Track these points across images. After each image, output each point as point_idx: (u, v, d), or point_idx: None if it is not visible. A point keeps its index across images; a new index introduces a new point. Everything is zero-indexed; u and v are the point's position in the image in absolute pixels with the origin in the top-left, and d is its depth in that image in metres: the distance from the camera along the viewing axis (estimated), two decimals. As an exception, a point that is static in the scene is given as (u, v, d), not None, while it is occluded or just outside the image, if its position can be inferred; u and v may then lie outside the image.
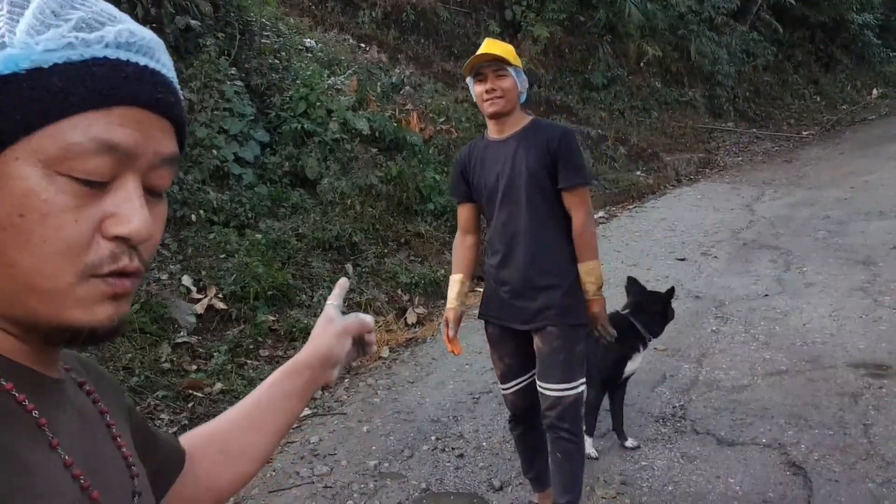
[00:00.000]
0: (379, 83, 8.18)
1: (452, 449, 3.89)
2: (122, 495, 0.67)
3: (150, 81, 0.59)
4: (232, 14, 6.99)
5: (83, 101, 0.55)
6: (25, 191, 0.54)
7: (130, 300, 0.63)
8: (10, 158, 0.54)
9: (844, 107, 17.66)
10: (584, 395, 2.84)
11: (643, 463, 3.53)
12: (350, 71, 7.64)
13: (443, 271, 6.38)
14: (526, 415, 2.96)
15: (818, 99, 17.68)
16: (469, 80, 2.73)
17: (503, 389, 2.98)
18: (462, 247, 2.98)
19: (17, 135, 0.54)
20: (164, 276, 4.89)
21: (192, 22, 6.44)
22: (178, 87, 0.65)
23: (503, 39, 12.38)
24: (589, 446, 3.53)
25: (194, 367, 4.35)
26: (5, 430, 0.55)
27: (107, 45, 0.57)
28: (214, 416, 3.30)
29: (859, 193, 9.21)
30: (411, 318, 5.78)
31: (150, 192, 0.62)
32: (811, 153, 13.11)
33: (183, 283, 4.85)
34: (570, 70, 12.97)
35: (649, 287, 3.85)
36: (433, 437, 4.01)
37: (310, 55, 7.86)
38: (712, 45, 14.89)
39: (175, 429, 3.83)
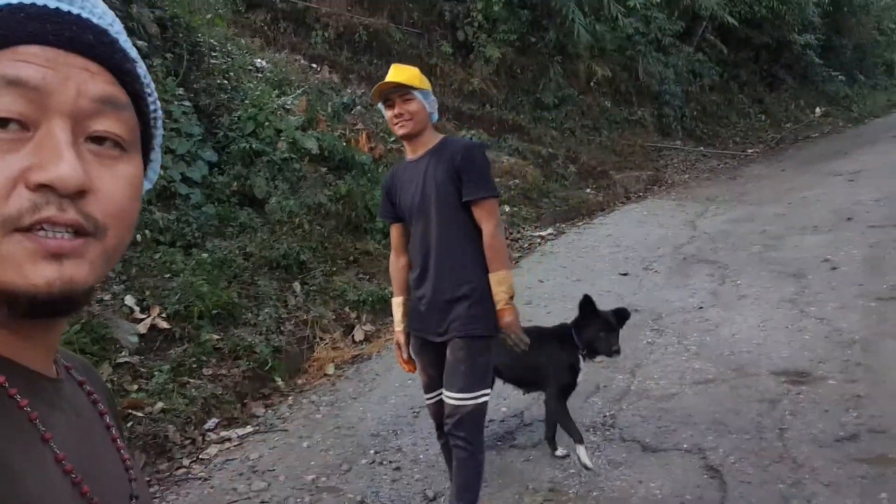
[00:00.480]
0: (330, 103, 8.30)
1: (390, 462, 3.98)
2: (118, 497, 0.66)
3: (58, 21, 0.57)
4: (180, 35, 7.06)
5: None
6: None
7: (88, 267, 0.58)
8: None
9: (788, 125, 18.27)
10: (486, 405, 2.94)
11: (571, 470, 3.66)
12: (300, 91, 7.74)
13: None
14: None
15: (763, 118, 18.27)
16: (380, 105, 2.87)
17: (426, 399, 3.13)
18: (397, 267, 3.10)
19: None
20: (107, 297, 4.91)
21: (139, 43, 6.48)
22: (117, 33, 0.63)
23: (455, 60, 12.63)
24: (584, 454, 3.56)
25: (135, 386, 4.37)
26: (4, 443, 0.54)
27: None
28: (154, 434, 3.34)
29: (797, 209, 9.56)
30: (359, 335, 5.87)
31: (99, 142, 0.59)
32: (755, 170, 13.54)
33: (126, 303, 4.87)
34: (522, 90, 13.25)
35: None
36: (372, 451, 4.09)
37: (260, 75, 7.94)
38: (659, 65, 15.32)
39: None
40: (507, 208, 9.50)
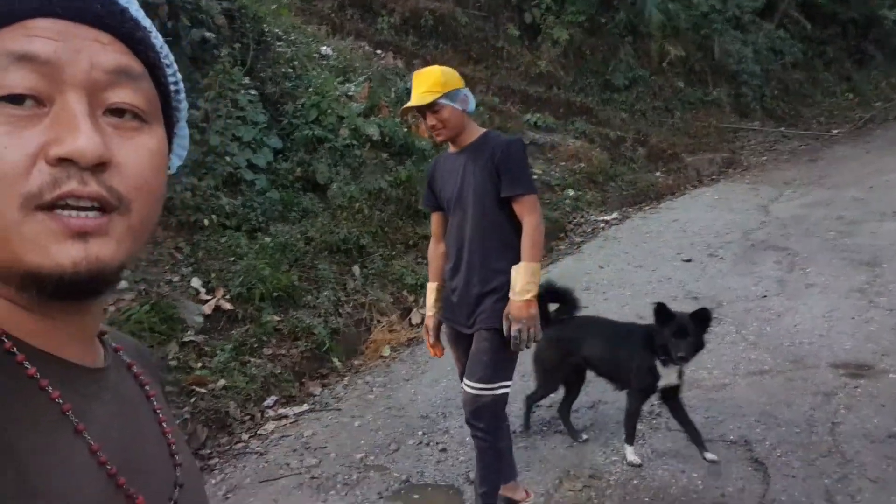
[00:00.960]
0: (393, 89, 8.40)
1: (437, 443, 4.08)
2: (161, 486, 0.66)
3: None
4: (247, 25, 7.27)
5: None
6: None
7: (115, 244, 0.57)
8: None
9: (878, 104, 17.34)
10: (506, 397, 2.96)
11: (614, 458, 3.67)
12: (363, 78, 7.87)
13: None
14: None
15: (850, 96, 17.39)
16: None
17: (463, 386, 3.13)
18: (436, 255, 3.16)
19: None
20: (176, 279, 5.17)
21: (207, 34, 6.72)
22: (128, 2, 0.63)
23: (522, 42, 12.54)
24: (630, 454, 3.59)
25: (200, 364, 4.61)
26: (24, 420, 0.54)
27: None
28: (216, 410, 3.52)
29: (879, 193, 9.13)
30: (415, 318, 5.98)
31: (118, 114, 0.59)
32: (838, 152, 12.95)
33: (192, 284, 5.12)
34: (591, 71, 13.04)
35: (646, 289, 3.93)
36: (420, 432, 4.20)
37: (325, 63, 8.11)
38: (737, 43, 14.79)
39: (177, 422, 4.08)
40: (571, 192, 9.43)
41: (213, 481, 3.81)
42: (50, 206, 0.54)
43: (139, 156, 0.59)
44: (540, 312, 2.82)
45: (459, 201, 2.90)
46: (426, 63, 10.71)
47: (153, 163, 0.61)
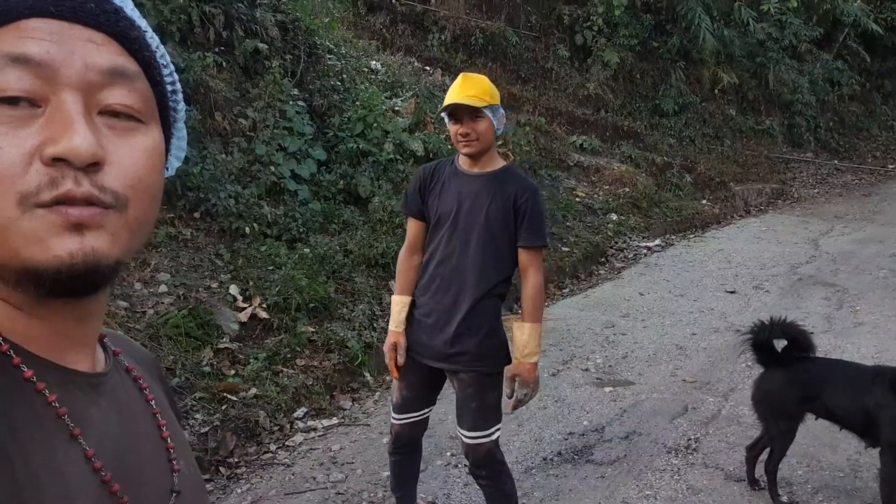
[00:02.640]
0: (439, 105, 8.40)
1: (465, 465, 3.99)
2: (156, 493, 0.66)
3: None
4: (299, 37, 7.37)
5: None
6: None
7: (109, 239, 0.57)
8: None
9: (937, 140, 16.84)
10: (498, 439, 2.86)
11: (647, 492, 3.56)
12: (410, 93, 7.90)
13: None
14: (407, 445, 3.00)
15: (908, 131, 16.92)
16: (444, 114, 2.70)
17: (393, 418, 2.94)
18: (408, 266, 2.84)
19: None
20: (214, 285, 5.21)
21: (260, 45, 6.83)
22: (121, 1, 0.63)
23: (571, 64, 12.50)
24: None
25: (232, 371, 4.62)
26: (19, 422, 0.55)
27: None
28: (246, 419, 3.52)
29: (935, 232, 8.84)
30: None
31: (113, 115, 0.59)
32: (893, 188, 12.60)
33: (230, 291, 5.15)
34: (640, 96, 12.92)
35: (687, 319, 3.82)
36: (448, 454, 4.13)
37: (373, 77, 8.17)
38: (793, 73, 14.51)
39: (207, 429, 4.09)
40: (614, 217, 9.31)
41: (239, 491, 3.80)
42: (48, 204, 0.55)
43: (134, 155, 0.60)
44: (765, 349, 2.73)
45: (464, 228, 2.66)
46: (474, 81, 10.73)
47: (149, 162, 0.61)
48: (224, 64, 6.56)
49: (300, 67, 7.15)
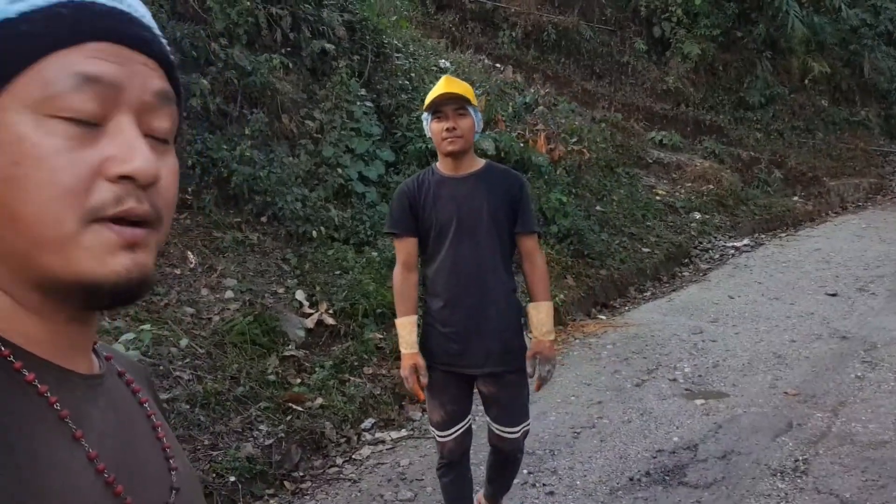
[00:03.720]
0: (511, 103, 8.12)
1: (543, 485, 3.70)
2: (157, 491, 0.67)
3: (119, 18, 0.59)
4: (367, 37, 7.21)
5: (55, 40, 0.55)
6: (16, 138, 0.54)
7: (152, 255, 0.61)
8: None
9: None
10: None
11: (749, 522, 3.17)
12: (479, 92, 7.63)
13: (562, 296, 6.18)
14: (461, 460, 2.95)
15: None
16: (426, 115, 2.67)
17: (441, 437, 2.86)
18: (408, 285, 2.76)
19: None
20: (281, 290, 5.06)
21: (327, 46, 6.69)
22: (156, 27, 0.65)
23: (649, 58, 11.99)
24: None
25: (298, 380, 4.44)
26: (23, 423, 0.55)
27: None
28: (311, 430, 3.30)
29: None
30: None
31: (154, 138, 0.61)
32: None
33: (296, 297, 4.99)
34: (723, 88, 12.29)
35: (785, 324, 3.43)
36: (525, 471, 3.83)
37: (443, 76, 7.95)
38: (889, 60, 13.55)
39: (271, 441, 3.91)
40: (697, 215, 8.80)
41: (304, 507, 3.60)
42: (106, 220, 0.57)
43: (169, 175, 0.63)
44: None
45: (470, 231, 2.65)
46: (546, 78, 10.39)
47: (176, 182, 0.65)
48: (291, 66, 6.45)
49: (367, 67, 6.99)
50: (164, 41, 0.65)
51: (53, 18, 0.56)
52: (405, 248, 2.75)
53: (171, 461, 0.70)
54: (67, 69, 0.55)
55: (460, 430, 2.85)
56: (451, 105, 2.57)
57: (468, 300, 2.65)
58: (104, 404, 0.64)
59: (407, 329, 2.71)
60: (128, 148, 0.57)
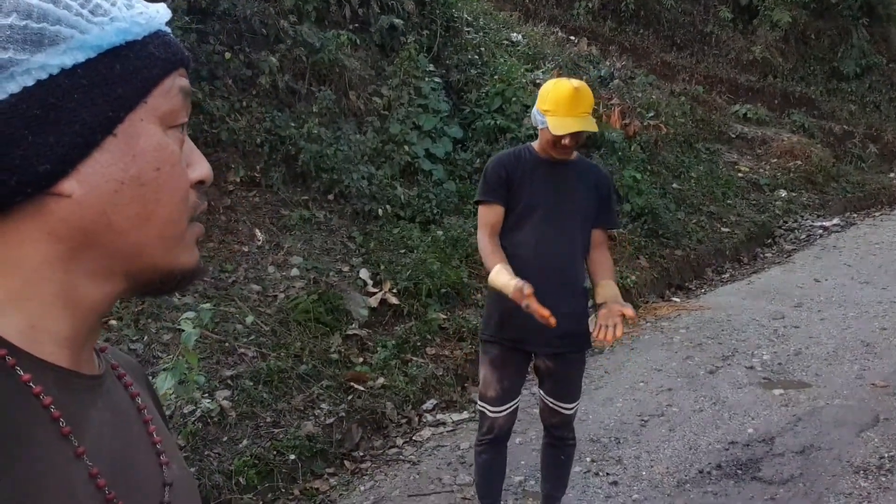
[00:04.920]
0: (584, 77, 7.85)
1: (607, 474, 3.58)
2: (151, 489, 0.68)
3: (182, 48, 0.66)
4: (437, 11, 7.08)
5: (169, 63, 0.63)
6: (156, 146, 0.61)
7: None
8: (136, 120, 0.60)
9: None
10: None
11: (829, 523, 2.97)
12: (552, 65, 7.42)
13: (634, 277, 5.97)
14: (506, 437, 2.97)
15: None
16: (541, 114, 2.64)
17: (494, 412, 2.87)
18: (494, 243, 2.73)
19: (138, 98, 0.60)
20: (346, 269, 5.06)
21: (396, 21, 6.61)
22: None
23: (735, 27, 11.42)
24: None
25: (361, 359, 4.44)
26: (18, 425, 0.56)
27: (164, 20, 0.65)
28: (373, 410, 3.28)
29: None
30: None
31: None
32: None
33: (360, 276, 4.97)
34: (815, 58, 11.61)
35: (875, 311, 3.20)
36: (588, 459, 3.72)
37: (513, 49, 7.75)
38: None
39: (332, 420, 3.92)
40: (783, 193, 8.36)
41: (363, 488, 3.59)
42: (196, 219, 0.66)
43: None
44: None
45: (559, 215, 2.71)
46: (623, 50, 10.03)
47: None
48: (359, 42, 6.40)
49: (437, 42, 6.88)
50: None
51: (167, 44, 0.63)
52: (494, 216, 2.76)
53: (161, 456, 0.71)
54: (177, 86, 0.63)
55: (512, 408, 2.89)
56: (573, 139, 2.64)
57: (546, 284, 2.60)
58: (102, 405, 0.66)
59: (502, 273, 2.60)
60: (199, 156, 0.66)
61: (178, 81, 0.64)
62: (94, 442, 0.61)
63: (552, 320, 2.45)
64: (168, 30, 0.66)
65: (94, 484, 0.60)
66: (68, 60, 0.57)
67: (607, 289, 2.70)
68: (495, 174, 2.77)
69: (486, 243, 2.74)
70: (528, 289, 2.44)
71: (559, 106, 2.59)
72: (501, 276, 2.58)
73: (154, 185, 0.60)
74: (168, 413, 3.53)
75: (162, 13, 0.65)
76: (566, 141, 2.61)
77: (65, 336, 0.62)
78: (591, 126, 2.62)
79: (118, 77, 0.59)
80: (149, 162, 0.60)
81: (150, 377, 0.85)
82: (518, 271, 2.62)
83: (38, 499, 0.55)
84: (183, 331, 3.39)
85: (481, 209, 2.81)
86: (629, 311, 2.55)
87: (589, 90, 2.71)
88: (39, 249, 0.59)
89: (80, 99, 0.58)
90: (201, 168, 0.65)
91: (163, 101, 0.62)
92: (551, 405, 2.89)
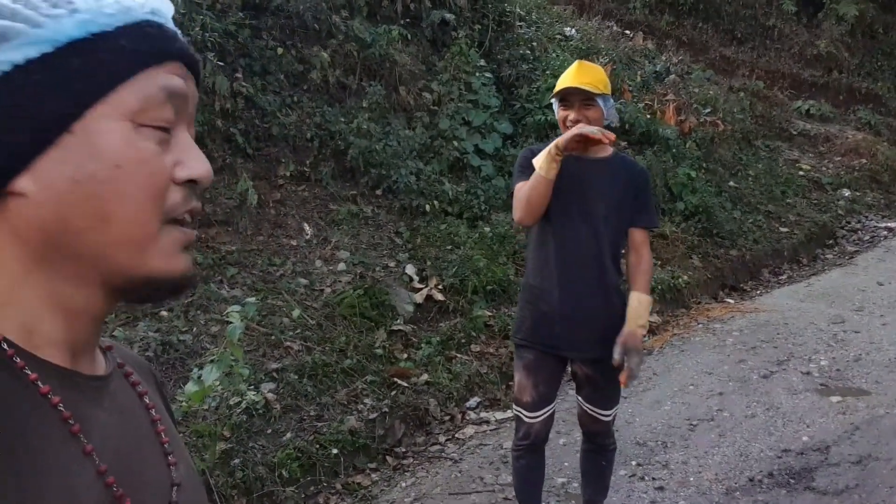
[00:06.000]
0: (639, 72, 7.71)
1: (653, 479, 3.50)
2: (158, 489, 0.68)
3: (182, 41, 0.65)
4: (489, 6, 7.03)
5: (147, 57, 0.60)
6: (118, 142, 0.58)
7: (192, 255, 0.66)
8: (98, 116, 0.58)
9: None
10: None
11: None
12: (606, 60, 7.29)
13: (686, 277, 5.83)
14: (543, 443, 2.88)
15: None
16: (554, 100, 2.61)
17: (531, 418, 2.78)
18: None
19: (100, 94, 0.58)
20: (392, 264, 5.06)
21: (447, 15, 6.58)
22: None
23: (799, 20, 11.05)
24: None
25: (405, 355, 4.43)
26: (25, 425, 0.56)
27: (150, 11, 0.62)
28: (416, 406, 3.27)
29: None
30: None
31: None
32: None
33: (406, 271, 4.97)
34: (883, 53, 11.16)
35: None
36: (634, 463, 3.64)
37: (566, 44, 7.64)
38: None
39: (375, 415, 3.92)
40: (846, 192, 8.06)
41: (404, 484, 3.58)
42: (175, 221, 0.62)
43: None
44: None
45: (587, 214, 2.60)
46: (680, 44, 9.80)
47: None
48: (410, 37, 6.40)
49: (488, 37, 6.83)
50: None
51: (144, 38, 0.60)
52: None
53: (169, 457, 0.71)
54: (157, 83, 0.60)
55: (548, 413, 2.82)
56: (578, 96, 2.52)
57: (579, 284, 2.61)
58: (108, 405, 0.65)
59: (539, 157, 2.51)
60: (191, 154, 0.63)
61: (162, 79, 0.61)
62: (100, 442, 0.61)
63: (608, 137, 2.39)
64: (163, 21, 0.63)
65: (103, 482, 0.59)
66: (19, 56, 0.55)
67: (634, 304, 2.60)
68: (526, 159, 2.69)
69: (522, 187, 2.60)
70: (579, 133, 2.37)
71: (563, 79, 2.57)
72: (540, 157, 2.49)
73: (113, 183, 0.57)
74: (214, 405, 3.59)
75: (152, 4, 0.62)
76: (572, 116, 2.50)
77: (60, 339, 0.61)
78: (588, 88, 2.45)
79: (76, 72, 0.57)
80: (109, 159, 0.57)
81: (160, 379, 0.84)
82: (548, 274, 2.64)
83: (44, 497, 0.54)
84: (231, 323, 3.44)
85: (517, 187, 2.66)
86: (624, 377, 2.57)
87: (599, 67, 2.67)
88: (12, 251, 0.58)
89: (34, 95, 0.56)
90: (193, 167, 0.62)
91: (133, 98, 0.59)
92: (590, 411, 2.83)
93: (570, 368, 2.84)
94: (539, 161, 2.49)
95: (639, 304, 2.59)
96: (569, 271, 2.61)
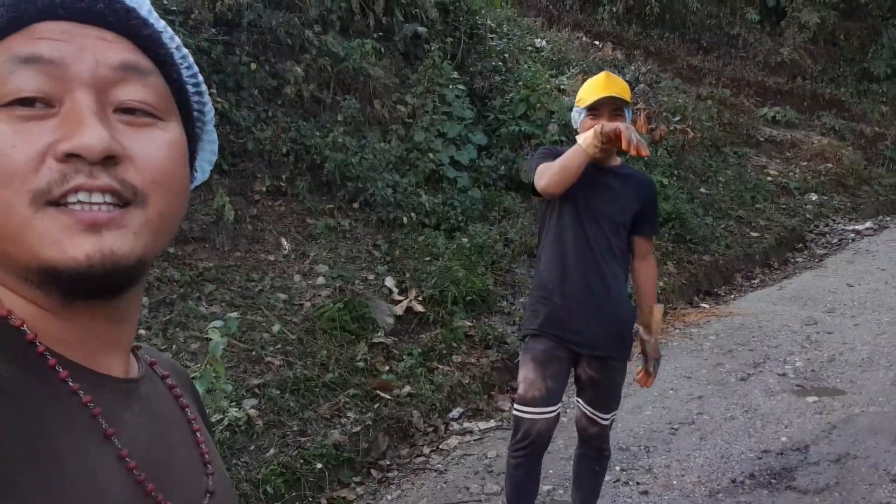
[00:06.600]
0: (610, 82, 7.81)
1: (637, 483, 3.53)
2: (191, 493, 0.66)
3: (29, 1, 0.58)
4: (460, 18, 7.09)
5: None
6: None
7: (137, 237, 0.57)
8: None
9: None
10: None
11: (865, 535, 2.90)
12: (577, 70, 7.38)
13: (662, 283, 5.90)
14: (544, 447, 2.84)
15: None
16: (579, 109, 2.69)
17: (539, 414, 2.71)
18: None
19: None
20: (371, 276, 5.06)
21: (420, 29, 6.62)
22: (135, 2, 0.62)
23: (763, 29, 11.29)
24: None
25: (386, 368, 4.42)
26: (52, 424, 0.54)
27: None
28: (399, 419, 3.26)
29: None
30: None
31: (131, 113, 0.59)
32: None
33: (386, 283, 4.97)
34: (845, 59, 11.45)
35: None
36: (617, 468, 3.67)
37: (537, 56, 7.73)
38: None
39: (359, 428, 3.91)
40: (813, 196, 8.23)
41: (389, 497, 3.57)
42: (60, 202, 0.54)
43: (153, 149, 0.60)
44: None
45: (597, 217, 2.68)
46: (648, 54, 9.95)
47: (169, 154, 0.61)
48: (383, 50, 6.42)
49: (460, 49, 6.88)
50: (138, 13, 0.61)
51: None
52: None
53: (208, 466, 0.69)
54: (6, 55, 0.55)
55: (555, 412, 2.78)
56: (608, 106, 2.60)
57: (591, 278, 2.68)
58: (138, 408, 0.64)
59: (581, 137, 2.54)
60: (74, 124, 0.55)
61: (13, 49, 0.55)
62: (129, 442, 0.60)
63: (643, 152, 2.41)
64: None
65: (133, 479, 0.58)
66: None
67: (656, 316, 2.78)
68: (550, 150, 2.81)
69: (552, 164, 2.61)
70: (606, 131, 2.40)
71: (595, 88, 2.63)
72: (586, 135, 2.49)
73: None
74: (196, 422, 3.56)
75: None
76: (607, 126, 2.47)
77: (74, 340, 0.59)
78: (622, 96, 2.59)
79: None
80: None
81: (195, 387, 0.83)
82: (553, 266, 2.72)
83: (73, 497, 0.53)
84: (210, 340, 3.41)
85: (544, 165, 2.66)
86: (643, 378, 2.93)
87: (622, 80, 2.75)
88: None
89: None
90: (71, 139, 0.54)
91: None
92: (590, 414, 2.85)
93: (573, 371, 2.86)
94: (583, 138, 2.50)
95: (658, 314, 2.77)
96: (582, 265, 2.66)
